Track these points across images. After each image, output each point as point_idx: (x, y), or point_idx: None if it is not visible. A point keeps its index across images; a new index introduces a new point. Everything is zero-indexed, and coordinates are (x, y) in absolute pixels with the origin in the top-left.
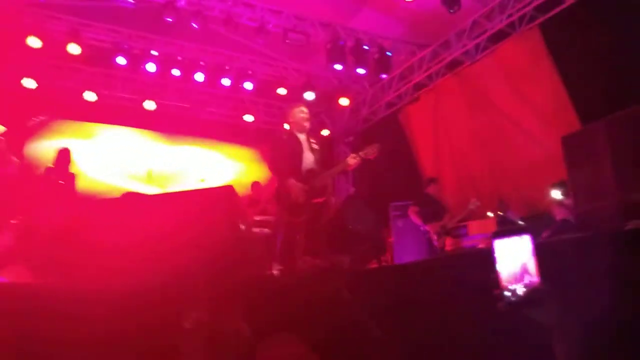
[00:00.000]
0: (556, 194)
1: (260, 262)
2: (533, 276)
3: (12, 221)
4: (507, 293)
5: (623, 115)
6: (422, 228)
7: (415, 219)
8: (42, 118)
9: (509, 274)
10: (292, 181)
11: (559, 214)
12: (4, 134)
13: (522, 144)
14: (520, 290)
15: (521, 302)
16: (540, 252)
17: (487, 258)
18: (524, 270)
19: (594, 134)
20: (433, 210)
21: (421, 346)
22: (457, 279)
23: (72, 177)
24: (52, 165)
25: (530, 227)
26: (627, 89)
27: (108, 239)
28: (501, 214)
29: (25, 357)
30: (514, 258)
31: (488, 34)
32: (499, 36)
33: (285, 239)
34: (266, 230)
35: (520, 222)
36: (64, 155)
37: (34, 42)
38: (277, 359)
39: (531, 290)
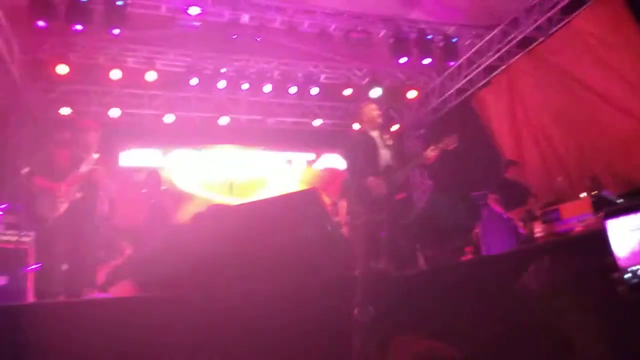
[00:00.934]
0: None
1: (349, 262)
2: None
3: (123, 244)
4: (628, 275)
5: None
6: (504, 216)
7: (496, 207)
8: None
9: (627, 254)
10: (371, 178)
11: None
12: (99, 161)
13: (611, 118)
14: None
15: None
16: None
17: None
18: None
19: None
20: (515, 194)
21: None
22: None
23: (164, 196)
24: (144, 189)
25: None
26: None
27: (206, 250)
28: (597, 193)
29: None
30: (631, 237)
31: (561, 5)
32: (573, 6)
33: (368, 238)
34: (346, 229)
35: (619, 201)
36: (154, 177)
37: (115, 74)
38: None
39: None
